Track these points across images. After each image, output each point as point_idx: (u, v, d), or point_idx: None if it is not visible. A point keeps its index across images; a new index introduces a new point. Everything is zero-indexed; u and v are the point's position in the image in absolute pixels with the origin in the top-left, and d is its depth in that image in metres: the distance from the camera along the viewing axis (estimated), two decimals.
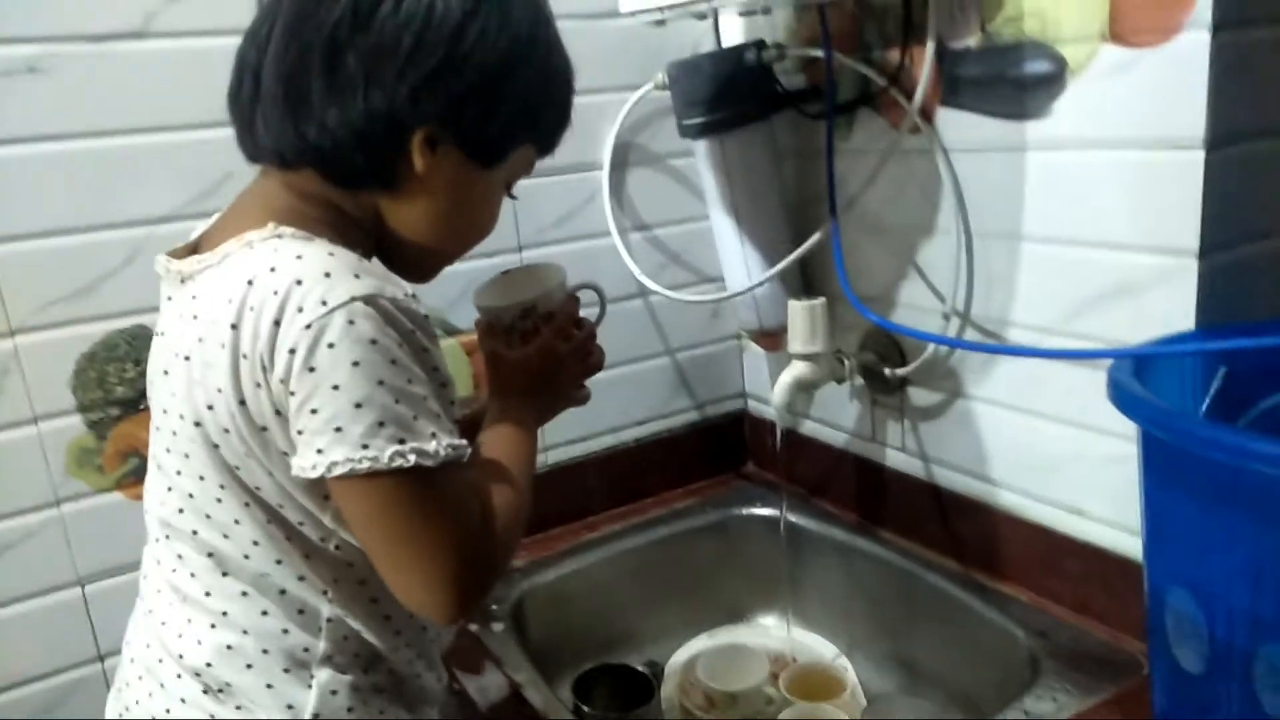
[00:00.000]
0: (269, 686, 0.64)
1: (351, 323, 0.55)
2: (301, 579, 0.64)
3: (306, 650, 0.64)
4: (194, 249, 0.65)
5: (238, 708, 0.64)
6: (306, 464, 0.57)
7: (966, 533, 1.03)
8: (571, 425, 1.23)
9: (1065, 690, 0.82)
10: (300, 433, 0.57)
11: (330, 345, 0.54)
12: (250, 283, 0.57)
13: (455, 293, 1.13)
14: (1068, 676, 0.84)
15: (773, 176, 1.10)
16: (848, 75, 1.03)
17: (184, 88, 0.93)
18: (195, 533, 0.64)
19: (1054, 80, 0.82)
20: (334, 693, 0.65)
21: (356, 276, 0.56)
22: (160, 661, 0.66)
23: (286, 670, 0.64)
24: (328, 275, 0.56)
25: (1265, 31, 0.73)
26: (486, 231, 0.70)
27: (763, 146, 1.08)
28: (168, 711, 0.65)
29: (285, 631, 0.64)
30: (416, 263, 0.69)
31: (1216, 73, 0.71)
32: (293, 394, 0.56)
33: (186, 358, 0.60)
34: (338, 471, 0.56)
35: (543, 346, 0.76)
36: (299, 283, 0.55)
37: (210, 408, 0.59)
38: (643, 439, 1.29)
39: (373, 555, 0.60)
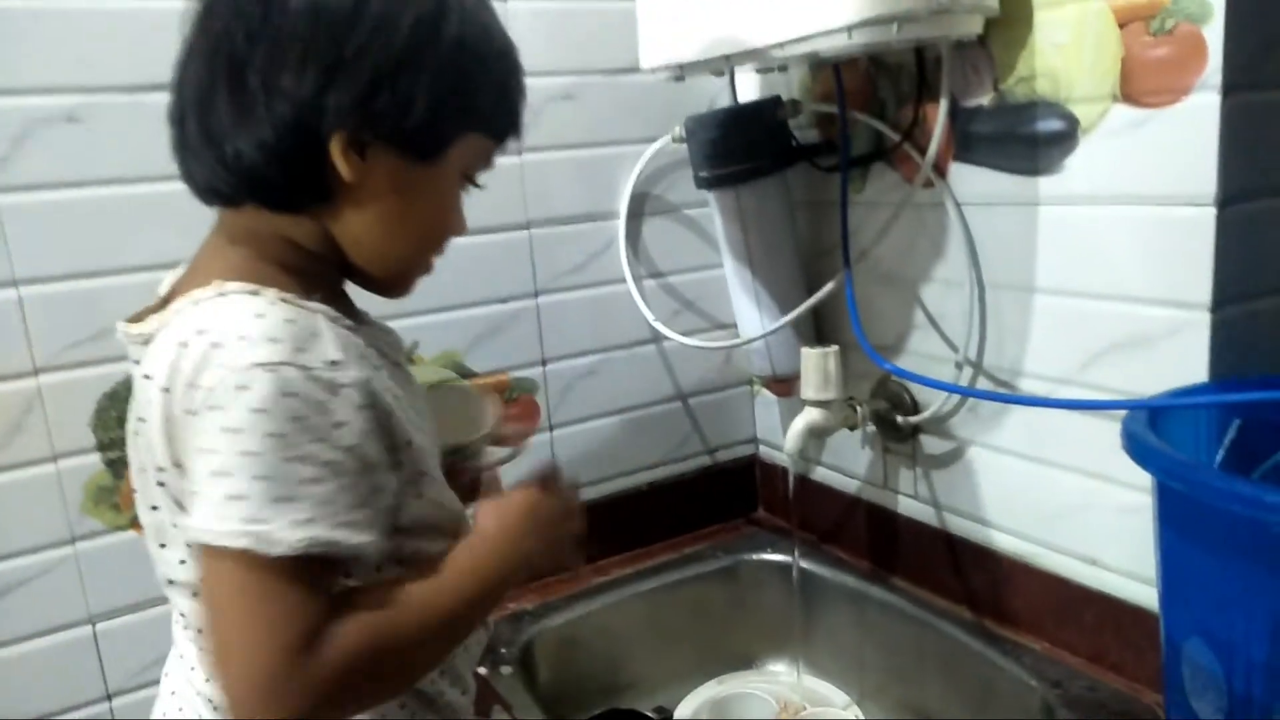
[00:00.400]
0: None
1: (242, 388, 0.52)
2: None
3: None
4: (167, 300, 0.63)
5: None
6: (180, 523, 0.56)
7: (979, 581, 1.03)
8: (583, 469, 1.24)
9: None
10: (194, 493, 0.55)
11: (215, 408, 0.53)
12: (183, 345, 0.55)
13: (471, 337, 1.15)
14: None
15: (787, 227, 1.12)
16: (862, 130, 1.05)
17: None
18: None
19: (1066, 138, 0.84)
20: None
21: (273, 341, 0.54)
22: (197, 695, 0.66)
23: None
24: (242, 338, 0.54)
25: (1275, 94, 0.75)
26: (448, 231, 0.67)
27: (777, 198, 1.10)
28: None
29: None
30: (383, 277, 0.66)
31: (1227, 133, 0.73)
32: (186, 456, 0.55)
33: (142, 419, 0.59)
34: (187, 538, 0.54)
35: (529, 500, 0.68)
36: (215, 346, 0.54)
37: (161, 469, 0.58)
38: (654, 483, 1.30)
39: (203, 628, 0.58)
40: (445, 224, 0.66)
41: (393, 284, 0.68)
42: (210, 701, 0.65)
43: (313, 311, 0.58)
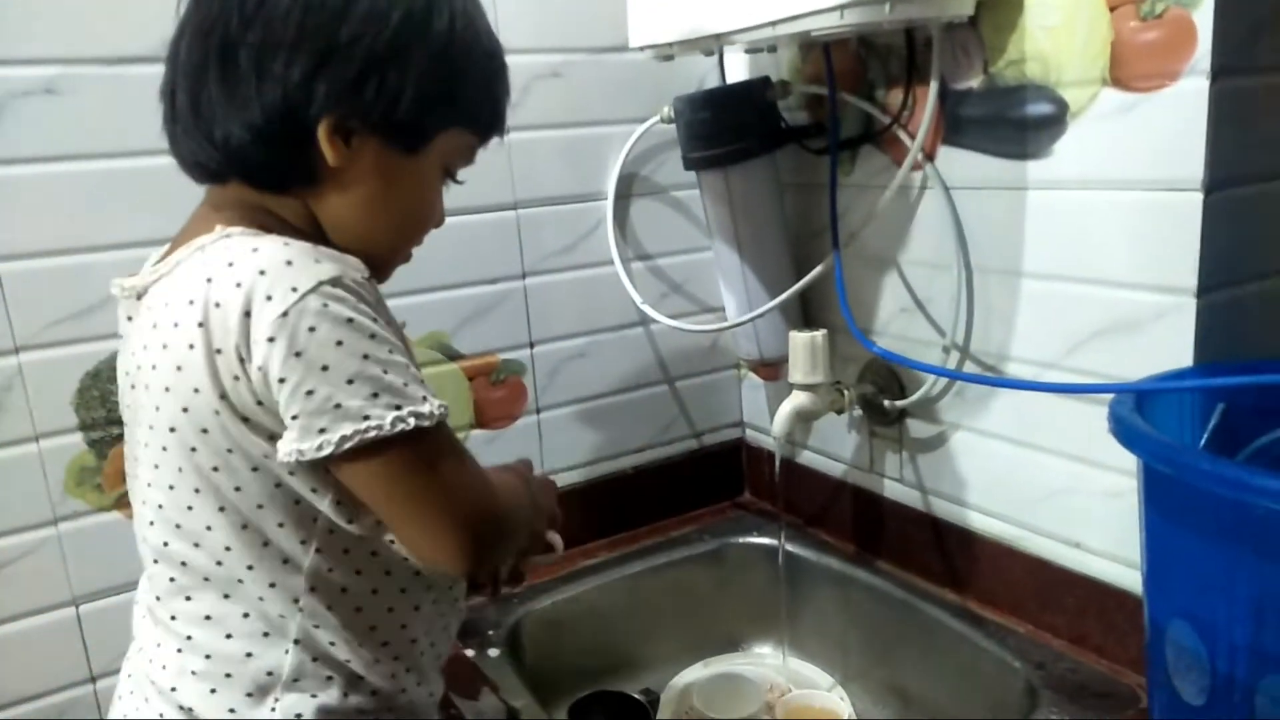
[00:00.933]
0: (231, 711, 0.63)
1: (326, 305, 0.56)
2: (273, 585, 0.63)
3: (270, 674, 0.63)
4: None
5: None
6: (309, 446, 0.56)
7: (964, 564, 1.04)
8: (570, 452, 1.24)
9: (1066, 717, 0.83)
10: (295, 417, 0.56)
11: (311, 329, 0.55)
12: (210, 280, 0.57)
13: (458, 318, 1.14)
14: (1065, 708, 0.84)
15: (775, 209, 1.11)
16: (851, 113, 1.05)
17: None
18: (166, 544, 0.63)
19: (1055, 122, 0.84)
20: (298, 716, 0.64)
21: (317, 261, 0.57)
22: (150, 682, 0.66)
23: (249, 694, 0.63)
24: (289, 263, 0.56)
25: (1263, 79, 0.75)
26: (426, 222, 0.69)
27: (766, 180, 1.10)
28: None
29: (249, 655, 0.63)
30: (363, 263, 0.67)
31: (1215, 118, 0.73)
32: (282, 381, 0.56)
33: (154, 366, 0.60)
34: (347, 446, 0.56)
35: (524, 469, 0.79)
36: (262, 273, 0.56)
37: (185, 410, 0.59)
38: (641, 467, 1.30)
39: (391, 521, 0.61)
40: (424, 214, 0.69)
41: (371, 270, 0.67)
42: (154, 683, 0.65)
43: None
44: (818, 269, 1.04)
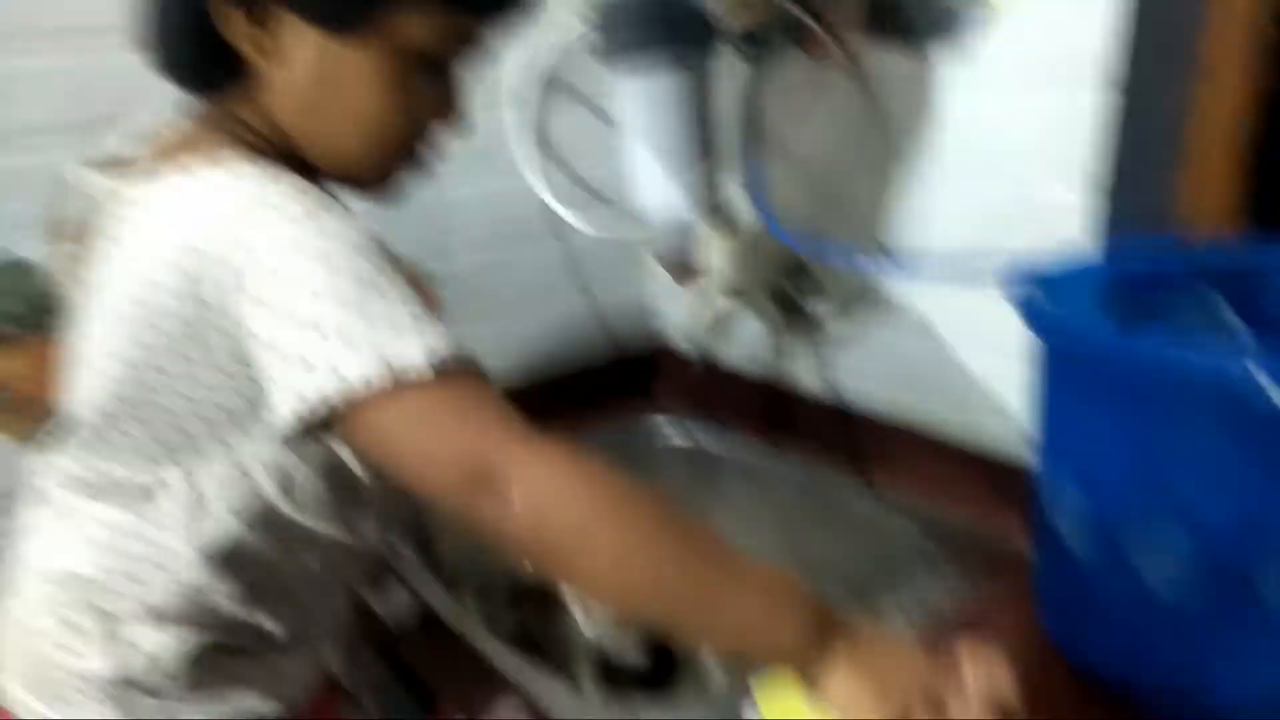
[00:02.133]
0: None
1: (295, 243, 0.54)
2: None
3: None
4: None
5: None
6: None
7: (872, 451, 1.10)
8: (483, 358, 1.23)
9: (956, 575, 0.91)
10: None
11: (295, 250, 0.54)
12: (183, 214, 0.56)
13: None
14: (957, 565, 0.92)
15: (696, 111, 1.12)
16: (774, 11, 1.06)
17: None
18: None
19: (976, 17, 0.88)
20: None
21: (294, 196, 0.55)
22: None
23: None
24: (260, 196, 0.55)
25: None
26: (389, 121, 0.58)
27: (689, 82, 1.10)
28: None
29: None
30: (341, 172, 0.61)
31: (1131, 10, 0.78)
32: None
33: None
34: (316, 397, 0.55)
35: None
36: (243, 206, 0.55)
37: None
38: (556, 372, 1.31)
39: None
40: (387, 115, 0.58)
41: (361, 181, 0.62)
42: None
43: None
44: (737, 170, 1.06)
